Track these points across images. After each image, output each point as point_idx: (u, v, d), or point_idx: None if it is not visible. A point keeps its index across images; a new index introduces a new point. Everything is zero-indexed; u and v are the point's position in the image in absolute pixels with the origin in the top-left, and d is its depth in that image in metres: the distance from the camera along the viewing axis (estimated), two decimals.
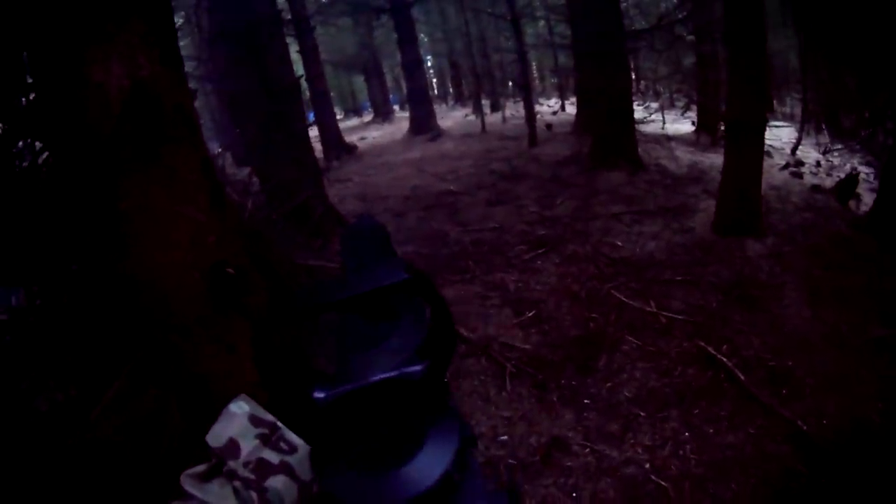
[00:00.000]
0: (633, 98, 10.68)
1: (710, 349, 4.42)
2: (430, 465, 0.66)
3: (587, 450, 3.59)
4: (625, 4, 12.70)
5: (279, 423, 0.96)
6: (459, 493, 0.68)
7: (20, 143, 3.00)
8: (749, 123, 6.37)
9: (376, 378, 0.69)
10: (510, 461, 3.50)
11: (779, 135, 11.55)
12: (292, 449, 0.92)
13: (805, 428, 3.58)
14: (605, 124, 9.76)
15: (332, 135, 16.40)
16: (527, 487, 3.33)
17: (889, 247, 5.99)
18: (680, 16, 11.68)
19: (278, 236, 5.99)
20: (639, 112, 13.08)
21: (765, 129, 6.57)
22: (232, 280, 2.82)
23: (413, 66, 18.27)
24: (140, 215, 2.60)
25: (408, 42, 17.97)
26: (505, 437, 3.71)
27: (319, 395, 0.69)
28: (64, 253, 2.91)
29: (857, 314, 4.85)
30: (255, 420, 0.94)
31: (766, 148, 7.40)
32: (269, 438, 0.93)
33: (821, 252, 5.98)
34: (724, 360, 4.28)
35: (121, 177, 2.55)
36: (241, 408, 0.98)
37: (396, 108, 29.48)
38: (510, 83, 24.58)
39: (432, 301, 0.72)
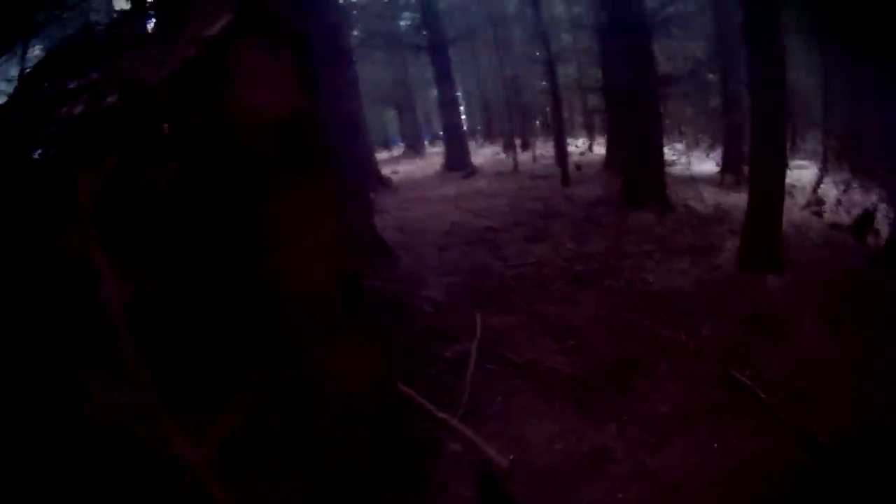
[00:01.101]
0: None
1: (734, 373, 4.98)
2: None
3: (629, 457, 4.16)
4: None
5: None
6: None
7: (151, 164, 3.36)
8: (771, 166, 6.91)
9: None
10: (565, 466, 4.09)
11: (801, 175, 11.91)
12: None
13: (820, 438, 4.08)
14: (636, 166, 10.25)
15: (368, 167, 17.00)
16: (580, 487, 3.90)
17: None
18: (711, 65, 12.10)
19: None
20: (666, 153, 13.56)
21: (785, 172, 7.13)
22: (358, 285, 3.28)
23: (449, 103, 18.85)
24: (286, 223, 3.05)
25: (445, 79, 18.63)
26: (558, 446, 4.29)
27: None
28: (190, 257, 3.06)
29: (873, 341, 5.28)
30: None
31: (789, 188, 7.88)
32: None
33: (837, 285, 6.41)
34: (748, 382, 4.84)
35: (271, 189, 3.01)
36: None
37: (426, 142, 30.02)
38: (538, 122, 25.02)
39: None
